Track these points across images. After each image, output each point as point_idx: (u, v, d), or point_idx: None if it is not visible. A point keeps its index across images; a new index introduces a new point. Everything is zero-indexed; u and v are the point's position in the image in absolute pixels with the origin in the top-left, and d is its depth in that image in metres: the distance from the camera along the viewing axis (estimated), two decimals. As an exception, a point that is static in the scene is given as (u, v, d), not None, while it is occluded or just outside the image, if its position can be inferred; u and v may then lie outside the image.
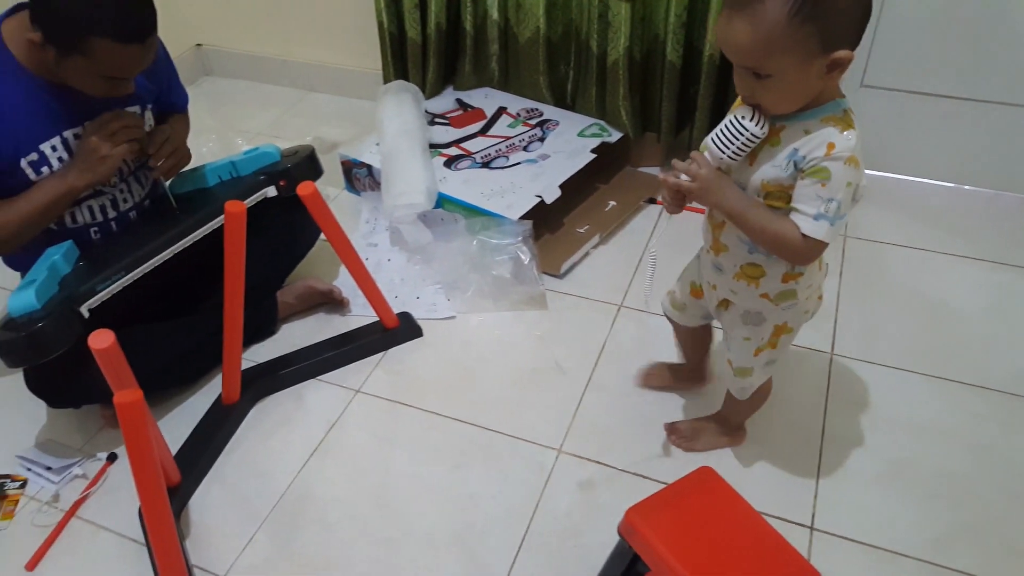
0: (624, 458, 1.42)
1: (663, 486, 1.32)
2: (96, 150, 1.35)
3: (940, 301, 1.72)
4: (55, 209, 1.37)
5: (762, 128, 0.99)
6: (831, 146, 0.97)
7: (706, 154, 1.04)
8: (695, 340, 1.44)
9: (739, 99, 1.05)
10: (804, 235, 0.99)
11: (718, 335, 1.42)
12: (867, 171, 2.04)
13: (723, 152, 1.01)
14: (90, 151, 1.35)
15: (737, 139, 0.99)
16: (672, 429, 1.44)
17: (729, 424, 1.41)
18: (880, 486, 1.36)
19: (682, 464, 1.39)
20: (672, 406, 1.51)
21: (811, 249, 1.01)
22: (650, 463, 1.40)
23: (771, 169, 1.02)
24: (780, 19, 0.88)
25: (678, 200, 1.10)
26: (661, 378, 1.53)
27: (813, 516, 1.31)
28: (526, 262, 1.74)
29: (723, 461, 1.39)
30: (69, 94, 1.35)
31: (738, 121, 0.99)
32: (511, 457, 1.43)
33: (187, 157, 1.57)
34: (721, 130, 1.00)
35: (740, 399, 1.32)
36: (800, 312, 1.18)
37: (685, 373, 1.52)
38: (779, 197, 1.03)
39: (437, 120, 2.17)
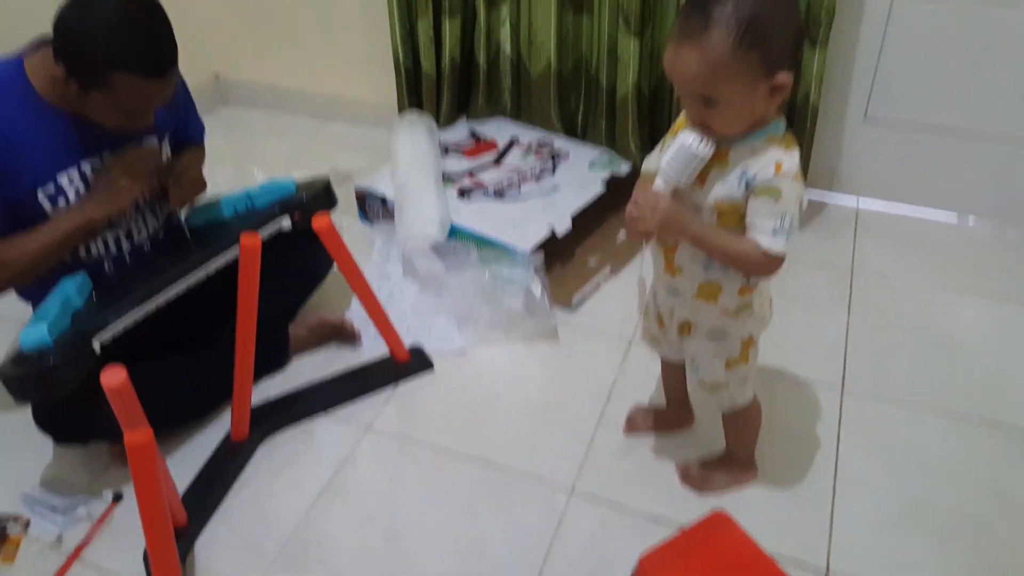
0: (637, 498, 1.39)
1: (677, 528, 1.31)
2: (114, 182, 1.37)
3: (949, 336, 1.70)
4: (71, 241, 1.38)
5: (709, 148, 1.03)
6: (779, 165, 1.02)
7: (659, 182, 1.06)
8: (678, 375, 1.42)
9: (679, 120, 1.12)
10: (764, 250, 1.05)
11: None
12: (872, 201, 2.10)
13: (680, 177, 1.05)
14: (108, 183, 1.37)
15: (691, 163, 1.04)
16: (684, 473, 1.42)
17: (738, 460, 1.40)
18: (895, 528, 1.33)
19: (696, 505, 1.36)
20: (685, 444, 1.48)
21: (771, 262, 1.06)
22: (663, 504, 1.38)
23: (723, 188, 1.06)
24: (726, 49, 0.95)
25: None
26: (645, 422, 1.52)
27: (828, 559, 1.29)
28: (538, 294, 1.74)
29: (736, 503, 1.37)
30: (88, 126, 1.37)
31: (688, 147, 1.03)
32: (522, 498, 1.41)
33: (202, 187, 1.58)
34: (673, 157, 1.04)
35: (724, 412, 1.33)
36: (758, 320, 1.21)
37: (668, 415, 1.51)
38: (731, 215, 1.07)
39: (451, 151, 2.18)
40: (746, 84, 0.97)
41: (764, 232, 1.04)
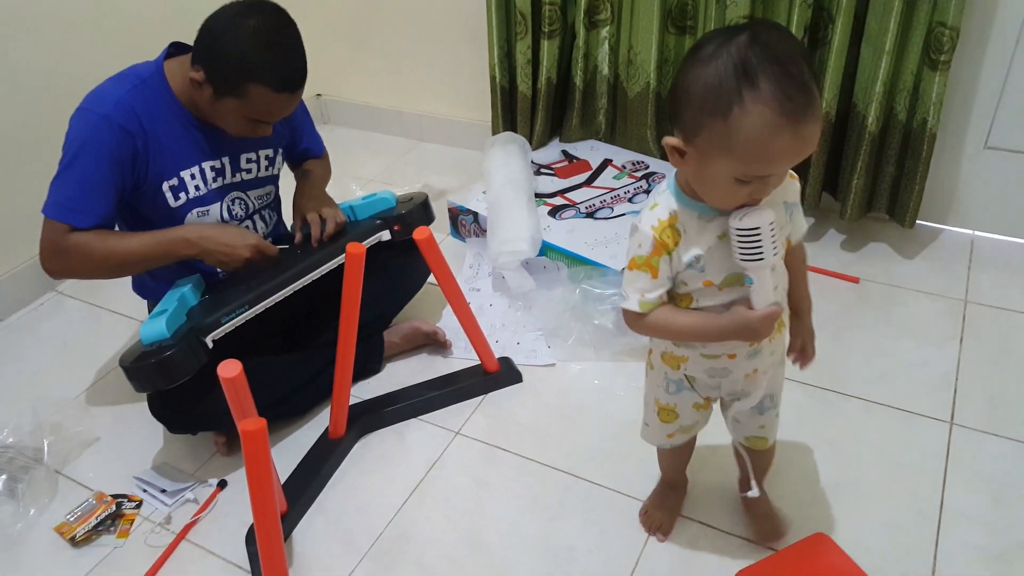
0: (729, 520, 1.36)
1: (769, 552, 1.28)
2: (234, 247, 1.44)
3: (1071, 371, 1.61)
4: (160, 262, 1.45)
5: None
6: (792, 175, 1.00)
7: (764, 273, 0.96)
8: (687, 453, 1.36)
9: (648, 253, 0.99)
10: None
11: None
12: (989, 234, 2.03)
13: (779, 253, 0.97)
14: (232, 248, 1.44)
15: (777, 236, 0.95)
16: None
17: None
18: (1003, 566, 1.26)
19: (791, 530, 1.31)
20: (781, 467, 1.44)
21: None
22: (756, 527, 1.35)
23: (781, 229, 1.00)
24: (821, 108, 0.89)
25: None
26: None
27: (932, 592, 1.23)
28: (629, 313, 1.73)
29: (837, 530, 1.32)
30: (212, 130, 1.46)
31: (767, 226, 0.92)
32: (610, 510, 1.40)
33: (343, 222, 1.62)
34: (773, 244, 0.94)
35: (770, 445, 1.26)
36: None
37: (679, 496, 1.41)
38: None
39: (543, 170, 2.21)
40: None
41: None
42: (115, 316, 2.00)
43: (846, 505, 1.37)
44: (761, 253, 0.93)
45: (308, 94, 2.79)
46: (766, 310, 0.96)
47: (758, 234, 0.92)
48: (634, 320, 1.03)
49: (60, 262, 1.42)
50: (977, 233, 2.04)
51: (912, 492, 1.39)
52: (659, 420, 1.20)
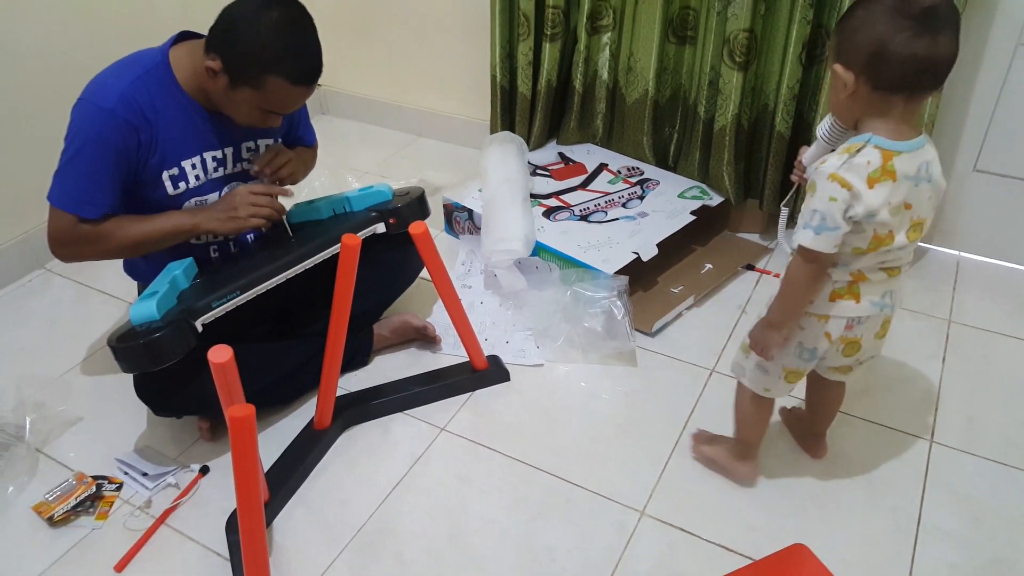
0: (709, 527, 1.38)
1: (747, 561, 1.29)
2: (236, 209, 1.46)
3: (1053, 396, 1.63)
4: (175, 239, 1.47)
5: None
6: (823, 160, 1.09)
7: None
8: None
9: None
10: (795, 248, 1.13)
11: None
12: (975, 256, 2.03)
13: None
14: (231, 207, 1.46)
15: None
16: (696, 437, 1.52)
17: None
18: (980, 585, 1.28)
19: (769, 539, 1.34)
20: (761, 478, 1.46)
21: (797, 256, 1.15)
22: (736, 536, 1.36)
23: None
24: None
25: None
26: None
27: (907, 609, 1.25)
28: (619, 317, 1.74)
29: (816, 540, 1.33)
30: (216, 119, 1.46)
31: None
32: (592, 514, 1.41)
33: (295, 175, 1.63)
34: None
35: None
36: None
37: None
38: None
39: (539, 172, 2.21)
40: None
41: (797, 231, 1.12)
42: (103, 296, 1.99)
43: (825, 517, 1.39)
44: None
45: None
46: None
47: None
48: None
49: (71, 250, 1.46)
50: (963, 254, 2.07)
51: (891, 507, 1.41)
52: None
